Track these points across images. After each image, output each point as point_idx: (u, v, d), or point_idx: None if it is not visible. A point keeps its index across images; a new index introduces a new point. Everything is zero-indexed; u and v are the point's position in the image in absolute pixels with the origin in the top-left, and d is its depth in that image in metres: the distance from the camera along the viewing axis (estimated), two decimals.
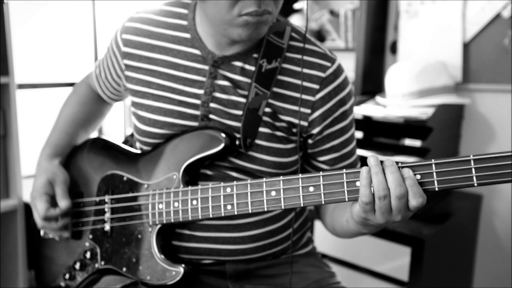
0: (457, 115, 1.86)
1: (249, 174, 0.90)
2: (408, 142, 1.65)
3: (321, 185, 0.73)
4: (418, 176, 0.68)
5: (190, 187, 0.85)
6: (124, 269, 0.91)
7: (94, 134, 1.12)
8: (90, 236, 0.96)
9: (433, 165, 0.67)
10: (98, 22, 2.43)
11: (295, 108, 0.88)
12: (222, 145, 0.84)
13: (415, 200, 0.67)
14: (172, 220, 0.86)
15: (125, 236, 0.92)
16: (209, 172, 0.90)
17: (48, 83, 2.28)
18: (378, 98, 1.87)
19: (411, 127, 1.67)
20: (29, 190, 1.02)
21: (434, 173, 0.67)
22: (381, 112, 1.73)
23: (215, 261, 0.93)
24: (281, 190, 0.76)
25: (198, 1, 0.84)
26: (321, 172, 0.74)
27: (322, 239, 1.71)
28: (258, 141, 0.87)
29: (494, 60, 1.81)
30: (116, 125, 2.57)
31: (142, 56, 0.93)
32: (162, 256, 0.87)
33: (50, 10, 2.30)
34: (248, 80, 0.88)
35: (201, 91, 0.89)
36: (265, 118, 0.87)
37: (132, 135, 1.05)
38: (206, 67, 0.89)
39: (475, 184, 0.65)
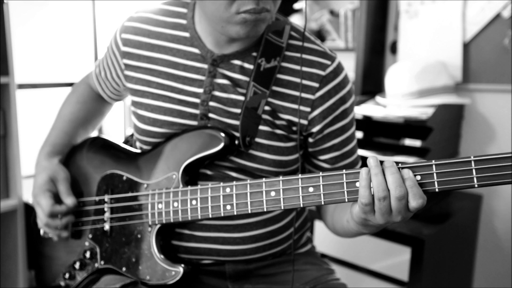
0: (457, 115, 1.86)
1: (249, 174, 0.90)
2: (408, 142, 1.65)
3: (321, 186, 0.73)
4: (419, 177, 0.68)
5: (189, 187, 0.85)
6: (124, 268, 0.91)
7: (93, 134, 1.12)
8: (90, 236, 0.96)
9: (434, 166, 0.67)
10: (98, 22, 2.43)
11: (295, 106, 0.88)
12: (222, 145, 0.84)
13: (415, 201, 0.67)
14: (172, 220, 0.86)
15: (125, 236, 0.92)
16: (208, 172, 0.90)
17: (48, 83, 2.28)
18: (378, 98, 1.87)
19: (411, 127, 1.67)
20: (29, 190, 1.02)
21: (435, 174, 0.67)
22: (381, 112, 1.73)
23: (214, 261, 0.92)
24: (281, 190, 0.76)
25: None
26: (320, 173, 0.74)
27: (322, 239, 1.71)
28: (258, 140, 0.87)
29: (494, 60, 1.81)
30: (116, 125, 2.57)
31: (142, 56, 0.93)
32: (162, 256, 0.87)
33: (50, 10, 2.30)
34: (247, 79, 0.88)
35: (200, 90, 0.89)
36: (265, 117, 0.87)
37: (132, 135, 1.05)
38: (205, 66, 0.89)
39: (476, 185, 0.65)
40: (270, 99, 0.87)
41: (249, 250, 0.91)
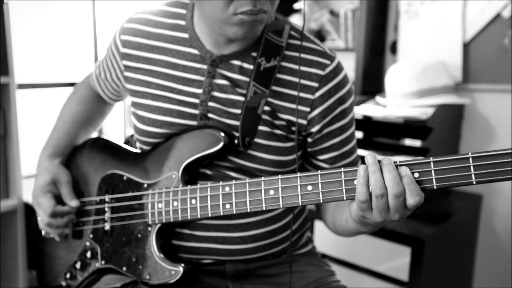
0: (457, 115, 1.86)
1: (248, 174, 0.90)
2: (408, 142, 1.65)
3: (319, 184, 0.73)
4: (417, 174, 0.68)
5: (189, 186, 0.85)
6: (124, 268, 0.91)
7: (94, 134, 1.12)
8: (91, 236, 0.96)
9: (432, 163, 0.67)
10: (98, 22, 2.43)
11: (294, 106, 0.88)
12: (221, 144, 0.84)
13: (413, 198, 0.67)
14: (172, 220, 0.86)
15: (125, 236, 0.92)
16: (208, 172, 0.90)
17: (48, 83, 2.28)
18: (378, 98, 1.87)
19: (411, 127, 1.67)
20: (29, 190, 1.02)
21: (433, 171, 0.67)
22: (381, 112, 1.73)
23: (214, 261, 0.93)
24: (279, 189, 0.76)
25: (195, 0, 0.84)
26: (319, 171, 0.74)
27: (322, 239, 1.71)
28: (257, 140, 0.87)
29: (494, 60, 1.81)
30: (116, 125, 2.57)
31: (141, 57, 0.93)
32: (162, 255, 0.87)
33: (50, 10, 2.30)
34: (247, 79, 0.88)
35: (199, 91, 0.89)
36: (264, 117, 0.87)
37: (132, 135, 1.05)
38: (205, 67, 0.89)
39: (474, 182, 0.65)
40: (269, 99, 0.87)
41: (249, 249, 0.91)
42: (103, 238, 0.95)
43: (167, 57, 0.91)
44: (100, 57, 1.05)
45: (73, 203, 0.96)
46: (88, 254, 0.95)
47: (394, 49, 2.09)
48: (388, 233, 1.55)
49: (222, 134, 0.85)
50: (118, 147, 1.00)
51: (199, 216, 0.83)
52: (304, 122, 0.89)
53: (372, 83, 2.07)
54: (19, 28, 2.15)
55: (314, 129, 0.89)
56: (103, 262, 0.94)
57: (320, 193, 0.73)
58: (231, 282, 0.94)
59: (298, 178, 0.75)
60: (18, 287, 1.87)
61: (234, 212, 0.80)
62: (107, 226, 0.94)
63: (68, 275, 0.98)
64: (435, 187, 0.67)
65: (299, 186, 0.75)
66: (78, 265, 0.96)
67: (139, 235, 0.90)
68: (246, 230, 0.91)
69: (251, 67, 0.88)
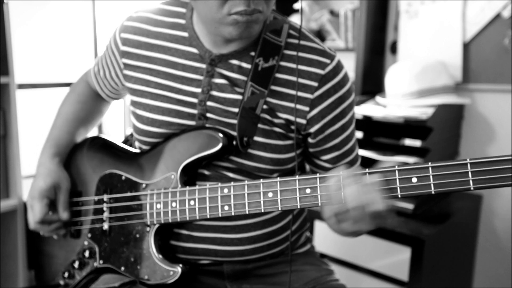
0: (457, 115, 1.86)
1: (246, 174, 0.89)
2: (408, 142, 1.65)
3: (318, 187, 0.74)
4: (415, 179, 0.68)
5: (187, 187, 0.85)
6: (123, 268, 0.91)
7: (93, 133, 1.12)
8: (89, 235, 0.96)
9: (430, 169, 0.67)
10: (98, 22, 2.43)
11: (293, 105, 0.87)
12: (220, 145, 0.84)
13: (375, 206, 0.68)
14: (170, 220, 0.86)
15: (124, 236, 0.92)
16: (206, 172, 0.90)
17: (48, 83, 2.28)
18: (378, 98, 1.87)
19: (411, 127, 1.67)
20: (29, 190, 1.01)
21: (431, 177, 0.67)
22: (381, 112, 1.73)
23: (212, 262, 0.92)
24: (278, 191, 0.76)
25: (191, 0, 0.84)
26: (317, 174, 0.74)
27: (322, 239, 1.71)
28: (255, 138, 0.87)
29: (494, 60, 1.80)
30: (116, 124, 2.57)
31: (141, 55, 0.93)
32: (160, 256, 0.87)
33: (50, 10, 2.30)
34: (245, 78, 0.88)
35: (198, 90, 0.89)
36: (263, 115, 0.87)
37: (132, 134, 1.05)
38: (204, 66, 0.89)
39: (472, 188, 0.65)
40: (268, 99, 0.87)
41: (247, 251, 0.91)
42: (101, 238, 0.94)
43: (167, 55, 0.91)
44: (99, 54, 1.05)
45: (65, 215, 0.95)
46: (86, 254, 0.95)
47: (394, 49, 2.09)
48: (388, 233, 1.55)
49: (221, 135, 0.85)
50: (116, 147, 1.00)
51: (197, 217, 0.83)
52: (303, 121, 0.88)
53: (372, 83, 2.07)
54: (19, 28, 2.15)
55: (314, 129, 0.89)
56: (101, 261, 0.94)
57: (319, 196, 0.74)
58: (229, 282, 0.94)
59: (297, 181, 0.75)
60: (18, 287, 1.87)
61: (233, 214, 0.80)
62: (105, 226, 0.94)
63: (66, 274, 0.98)
64: (433, 192, 0.67)
65: (297, 189, 0.75)
66: (76, 264, 0.96)
67: (138, 235, 0.90)
68: (244, 232, 0.91)
69: (249, 66, 0.88)
